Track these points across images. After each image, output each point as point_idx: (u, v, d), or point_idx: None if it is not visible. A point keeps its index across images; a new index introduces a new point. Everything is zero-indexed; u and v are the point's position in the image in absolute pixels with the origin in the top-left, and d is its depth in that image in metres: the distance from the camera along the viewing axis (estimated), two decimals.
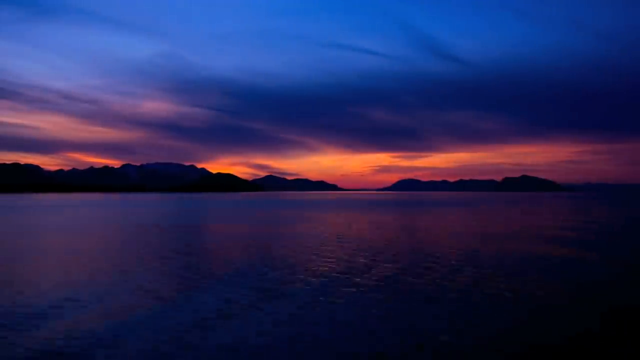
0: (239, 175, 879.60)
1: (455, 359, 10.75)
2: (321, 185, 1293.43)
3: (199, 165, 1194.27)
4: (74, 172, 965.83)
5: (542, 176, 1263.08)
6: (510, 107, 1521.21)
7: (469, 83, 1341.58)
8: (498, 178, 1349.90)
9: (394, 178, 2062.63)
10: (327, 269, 20.97)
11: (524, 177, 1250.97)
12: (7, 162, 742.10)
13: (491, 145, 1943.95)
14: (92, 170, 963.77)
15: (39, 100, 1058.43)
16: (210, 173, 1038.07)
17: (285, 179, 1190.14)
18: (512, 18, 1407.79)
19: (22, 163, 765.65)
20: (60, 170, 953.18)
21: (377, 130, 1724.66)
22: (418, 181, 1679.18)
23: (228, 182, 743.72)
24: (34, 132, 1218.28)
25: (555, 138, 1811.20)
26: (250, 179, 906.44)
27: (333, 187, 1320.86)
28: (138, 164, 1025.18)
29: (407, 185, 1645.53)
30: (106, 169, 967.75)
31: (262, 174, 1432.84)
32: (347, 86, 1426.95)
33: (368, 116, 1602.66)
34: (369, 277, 19.09)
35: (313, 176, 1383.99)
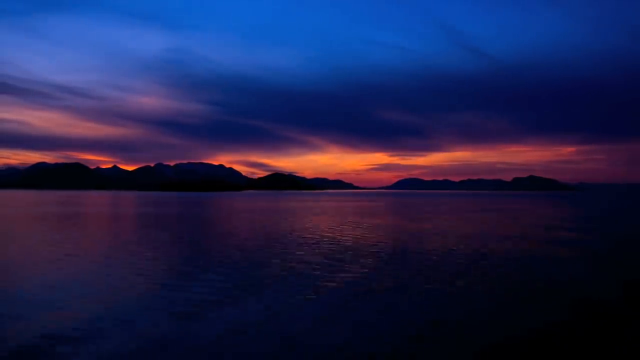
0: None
1: (432, 348, 11.49)
2: (339, 184, 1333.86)
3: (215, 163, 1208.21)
4: (109, 170, 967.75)
5: (548, 176, 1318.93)
6: (520, 105, 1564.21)
7: (484, 81, 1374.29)
8: (507, 178, 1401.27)
9: (394, 176, 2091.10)
10: None
11: (532, 177, 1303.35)
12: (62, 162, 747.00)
13: (496, 144, 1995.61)
14: (124, 170, 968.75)
15: (41, 95, 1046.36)
16: (235, 171, 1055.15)
17: (305, 178, 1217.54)
18: (539, 10, 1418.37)
19: (72, 162, 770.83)
20: (97, 169, 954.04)
21: (379, 128, 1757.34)
22: (420, 180, 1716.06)
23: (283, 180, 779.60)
24: (28, 128, 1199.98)
25: (560, 138, 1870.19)
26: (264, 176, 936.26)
27: (350, 186, 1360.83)
28: (172, 164, 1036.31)
29: (408, 183, 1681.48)
30: (147, 168, 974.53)
31: (259, 172, 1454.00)
32: (355, 83, 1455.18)
33: (373, 114, 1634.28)
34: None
35: (309, 175, 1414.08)
